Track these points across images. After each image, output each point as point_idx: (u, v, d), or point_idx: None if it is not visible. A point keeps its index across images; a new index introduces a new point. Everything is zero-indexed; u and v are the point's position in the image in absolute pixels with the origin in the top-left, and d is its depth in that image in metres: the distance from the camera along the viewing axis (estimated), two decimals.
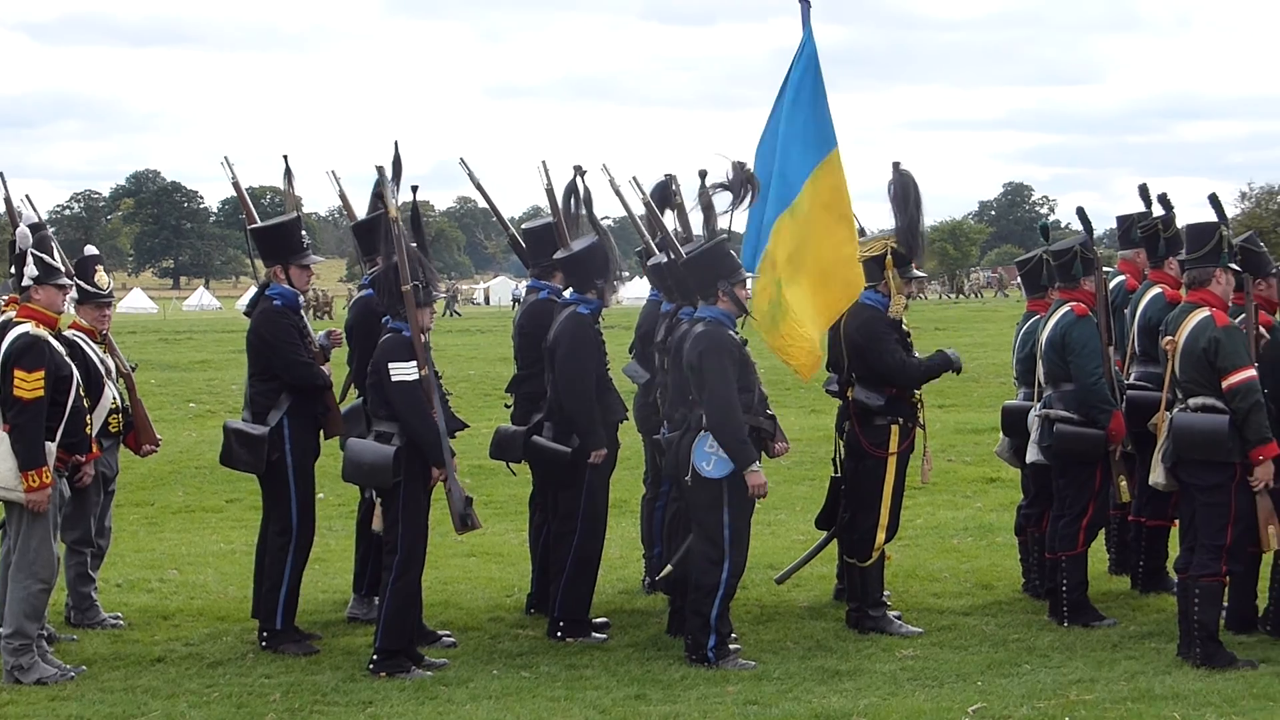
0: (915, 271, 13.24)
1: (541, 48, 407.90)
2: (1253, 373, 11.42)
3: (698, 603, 11.83)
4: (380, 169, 12.08)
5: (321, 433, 12.86)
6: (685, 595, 12.18)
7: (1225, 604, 12.11)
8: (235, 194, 13.61)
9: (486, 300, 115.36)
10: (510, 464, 13.43)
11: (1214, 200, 12.31)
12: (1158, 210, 14.24)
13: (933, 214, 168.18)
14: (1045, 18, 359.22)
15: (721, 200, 12.70)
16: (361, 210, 13.45)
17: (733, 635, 12.09)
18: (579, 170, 13.43)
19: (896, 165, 13.22)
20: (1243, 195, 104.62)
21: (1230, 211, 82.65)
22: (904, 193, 13.07)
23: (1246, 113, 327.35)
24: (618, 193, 13.24)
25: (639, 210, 13.00)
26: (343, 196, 13.45)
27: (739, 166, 12.64)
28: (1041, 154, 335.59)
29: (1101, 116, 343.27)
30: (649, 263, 13.24)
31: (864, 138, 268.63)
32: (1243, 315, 11.92)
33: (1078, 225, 13.98)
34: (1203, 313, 11.57)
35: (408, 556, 11.68)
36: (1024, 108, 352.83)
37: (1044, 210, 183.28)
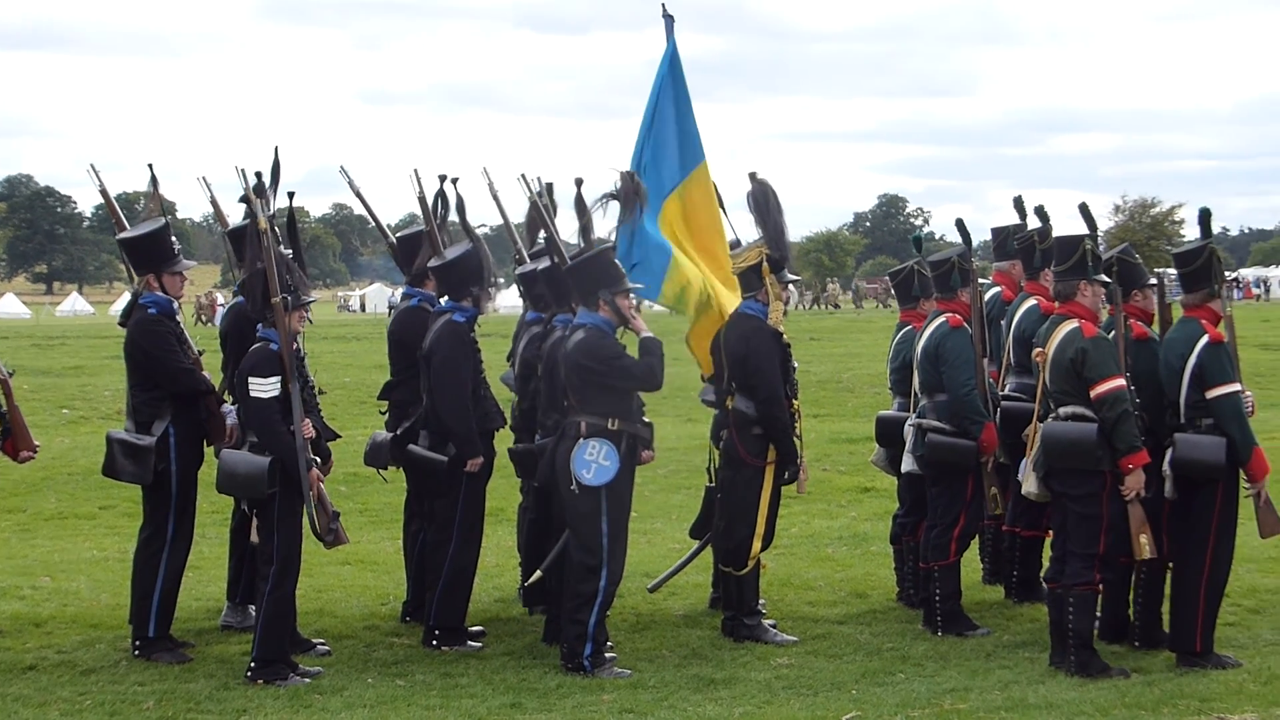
0: (790, 276, 13.29)
1: (417, 55, 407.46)
2: (1121, 383, 11.54)
3: (575, 611, 11.82)
4: (259, 174, 11.98)
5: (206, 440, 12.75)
6: (560, 603, 12.16)
7: (1098, 613, 12.25)
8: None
9: (363, 307, 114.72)
10: (382, 471, 13.39)
11: (1084, 211, 12.45)
12: (1034, 222, 14.38)
13: (808, 225, 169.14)
14: (917, 29, 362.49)
15: (609, 210, 12.71)
16: (236, 215, 13.35)
17: (609, 644, 12.08)
18: (445, 179, 13.35)
19: (753, 175, 13.28)
20: (1117, 208, 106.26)
21: (1104, 224, 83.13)
22: (763, 200, 13.13)
23: (1120, 125, 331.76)
24: (496, 199, 13.26)
25: (522, 215, 12.99)
26: (214, 202, 13.35)
27: (628, 177, 12.64)
28: (915, 166, 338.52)
29: (975, 128, 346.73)
30: (519, 270, 13.23)
31: (739, 149, 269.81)
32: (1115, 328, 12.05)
33: (952, 236, 14.12)
34: (1071, 324, 11.69)
35: (283, 566, 11.59)
36: (897, 119, 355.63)
37: (918, 222, 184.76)
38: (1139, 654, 12.34)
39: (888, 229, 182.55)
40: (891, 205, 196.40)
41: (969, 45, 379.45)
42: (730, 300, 13.03)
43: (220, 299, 69.75)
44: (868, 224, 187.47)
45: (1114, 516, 11.63)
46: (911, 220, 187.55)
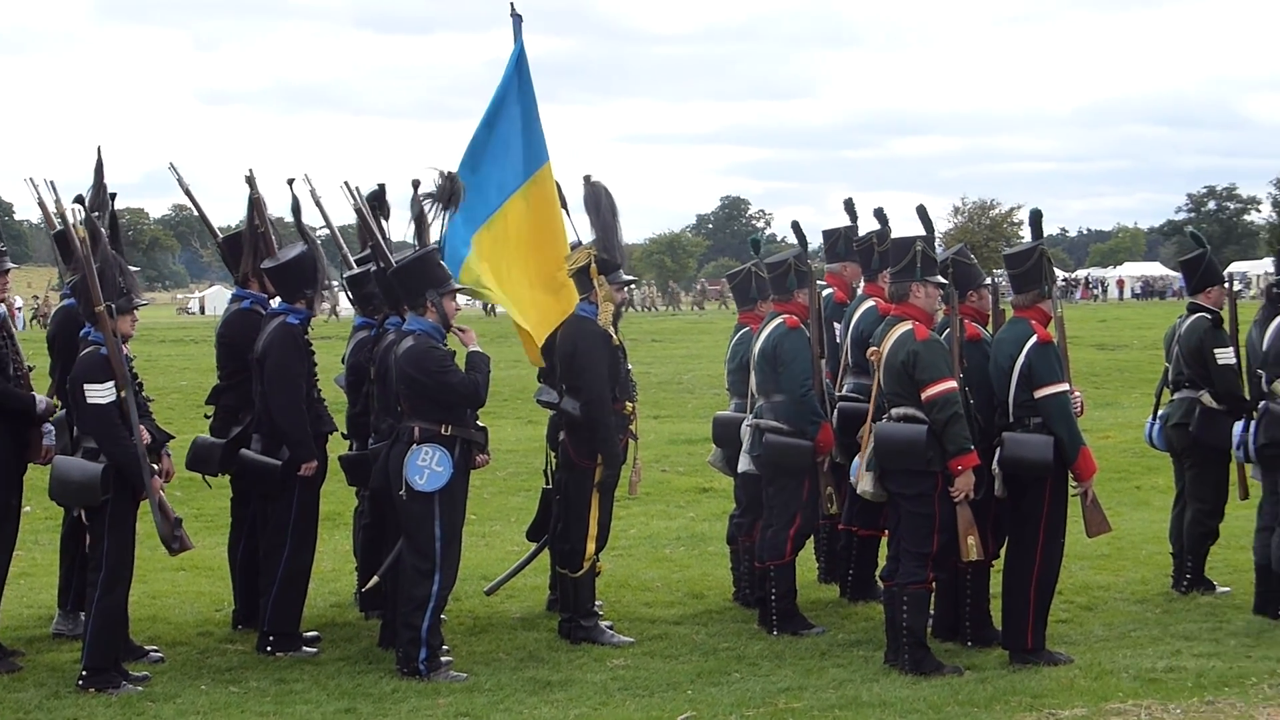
0: (624, 277, 13.31)
1: (256, 55, 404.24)
2: (951, 385, 11.63)
3: (409, 615, 11.77)
4: (51, 183, 11.84)
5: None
6: (396, 608, 12.11)
7: (932, 611, 12.36)
8: None
9: (202, 309, 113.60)
10: (207, 476, 13.26)
11: (921, 213, 12.56)
12: (870, 225, 14.47)
13: (651, 227, 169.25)
14: (758, 32, 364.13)
15: (434, 210, 12.66)
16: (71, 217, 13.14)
17: (444, 647, 12.04)
18: (292, 181, 13.26)
19: (587, 178, 13.31)
20: (956, 210, 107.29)
21: (944, 226, 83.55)
22: (595, 202, 13.15)
23: (959, 128, 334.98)
24: (318, 204, 13.17)
25: (348, 219, 12.92)
26: (42, 205, 13.17)
27: (449, 177, 12.61)
28: (757, 168, 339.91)
29: (816, 131, 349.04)
30: (345, 274, 13.17)
31: (582, 150, 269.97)
32: (948, 329, 12.16)
33: (793, 239, 14.19)
34: (905, 326, 11.78)
35: (114, 573, 11.44)
36: (739, 122, 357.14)
37: (760, 224, 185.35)
38: (972, 651, 12.45)
39: (730, 231, 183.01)
40: (734, 207, 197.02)
41: (809, 48, 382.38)
42: (553, 305, 13.05)
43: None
44: (710, 226, 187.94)
45: (946, 516, 11.72)
46: (754, 222, 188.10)
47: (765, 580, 13.18)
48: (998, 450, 11.88)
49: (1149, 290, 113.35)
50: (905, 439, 11.66)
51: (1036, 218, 12.53)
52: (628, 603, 14.43)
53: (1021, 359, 11.87)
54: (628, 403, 13.14)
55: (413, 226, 12.63)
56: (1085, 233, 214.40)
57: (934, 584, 12.00)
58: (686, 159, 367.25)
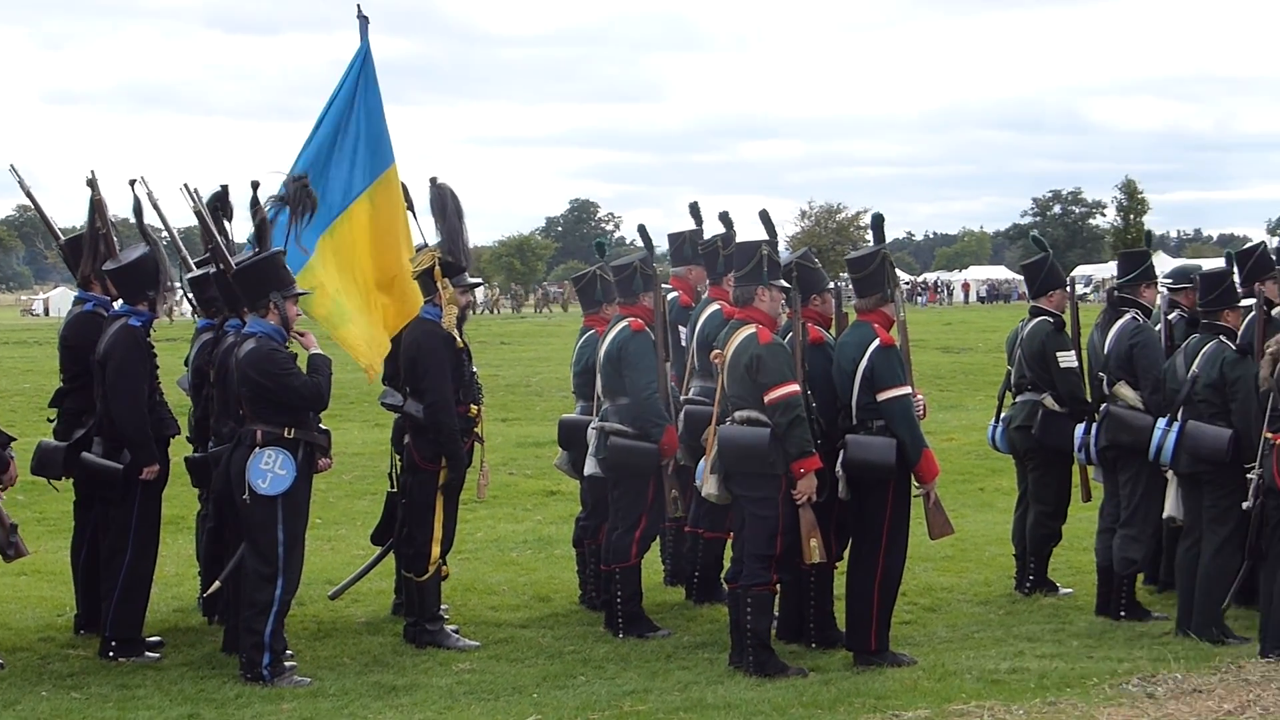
0: (469, 280, 13.28)
1: (102, 54, 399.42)
2: (794, 388, 11.68)
3: (251, 620, 11.66)
4: None
5: None
6: (238, 613, 12.00)
7: (776, 613, 12.42)
8: None
9: (46, 311, 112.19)
10: (52, 480, 13.09)
11: (764, 217, 12.62)
12: (716, 228, 14.50)
13: (500, 230, 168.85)
14: (606, 36, 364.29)
15: (280, 213, 12.56)
16: None
17: (289, 652, 11.94)
18: (134, 183, 13.11)
19: (433, 180, 13.29)
20: (803, 214, 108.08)
21: (791, 230, 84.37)
22: (440, 204, 13.13)
23: (807, 132, 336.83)
24: (155, 206, 13.01)
25: (188, 221, 12.79)
26: None
27: (300, 181, 12.51)
28: (606, 171, 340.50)
29: (664, 134, 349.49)
30: (186, 276, 13.05)
31: (431, 152, 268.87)
32: (791, 333, 12.21)
33: (641, 242, 14.20)
34: (749, 329, 11.82)
35: None
36: (588, 125, 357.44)
37: (609, 226, 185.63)
38: (816, 653, 12.51)
39: (579, 234, 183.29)
40: (583, 210, 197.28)
41: (658, 52, 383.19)
42: (398, 308, 12.99)
43: None
44: (560, 229, 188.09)
45: (789, 519, 11.76)
46: (603, 225, 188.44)
47: (611, 583, 13.19)
48: (841, 453, 11.95)
49: (994, 294, 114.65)
50: (748, 442, 11.70)
51: (878, 222, 12.62)
52: (474, 606, 14.40)
53: (864, 362, 11.93)
54: (473, 405, 13.10)
55: (254, 229, 12.51)
56: (931, 236, 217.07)
57: (778, 586, 12.06)
58: (536, 161, 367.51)
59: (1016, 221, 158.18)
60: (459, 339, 12.93)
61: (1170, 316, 14.17)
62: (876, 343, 11.94)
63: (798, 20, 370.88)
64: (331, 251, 12.83)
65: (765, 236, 12.35)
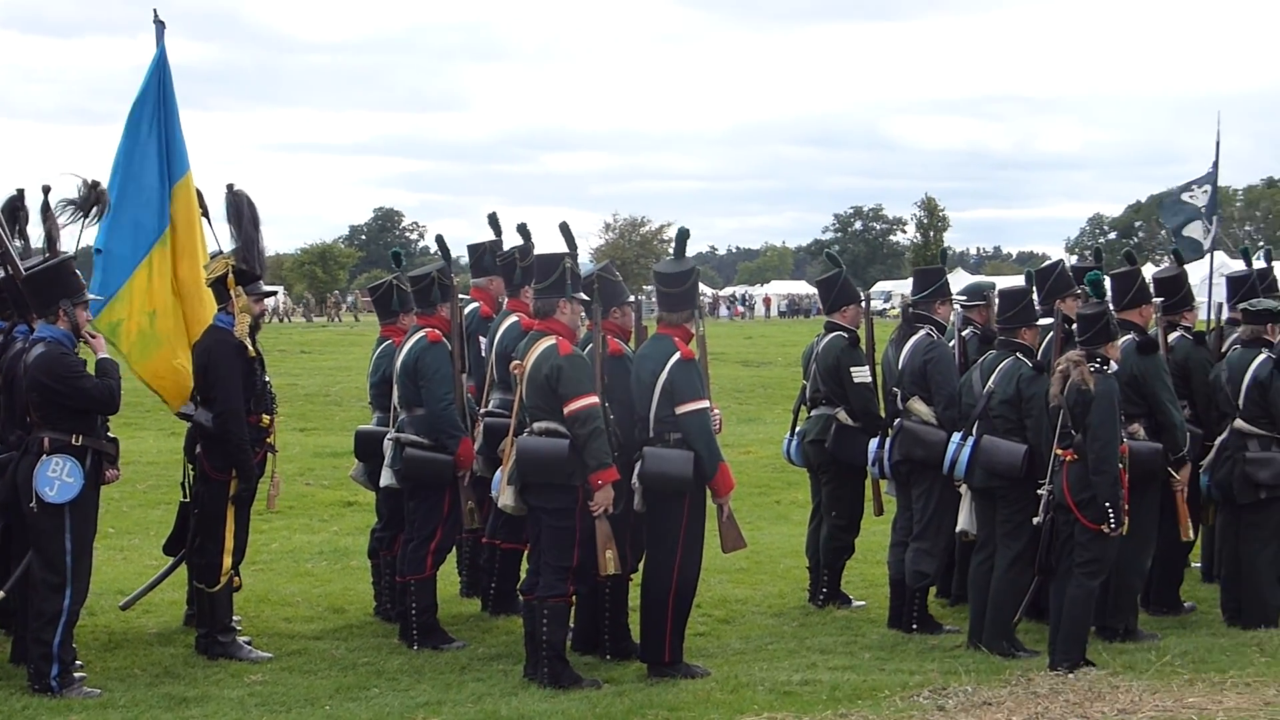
0: (263, 288, 13.16)
1: None
2: (594, 400, 11.69)
3: (39, 630, 11.45)
4: None
5: None
6: (26, 623, 11.78)
7: (572, 625, 12.41)
8: None
9: None
10: None
11: (564, 229, 12.62)
12: (515, 239, 14.47)
13: (303, 237, 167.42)
14: (412, 44, 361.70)
15: (71, 217, 12.39)
16: None
17: (78, 663, 11.74)
18: None
19: (230, 187, 13.29)
20: (607, 226, 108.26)
21: (595, 242, 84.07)
22: (236, 212, 13.04)
23: (611, 145, 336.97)
24: None
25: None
26: None
27: (90, 184, 12.34)
28: (410, 180, 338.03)
29: (468, 144, 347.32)
30: None
31: (232, 159, 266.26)
32: (590, 344, 12.22)
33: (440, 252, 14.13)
34: (549, 340, 11.81)
35: None
36: (393, 133, 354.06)
37: (414, 236, 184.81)
38: (610, 665, 12.54)
39: (383, 242, 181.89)
40: (387, 219, 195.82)
41: (462, 61, 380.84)
42: (192, 316, 12.89)
43: None
44: (363, 237, 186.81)
45: (586, 530, 11.77)
46: (407, 234, 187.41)
47: (406, 595, 13.10)
48: (638, 465, 11.98)
49: (795, 308, 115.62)
50: (547, 453, 11.69)
51: (683, 237, 12.64)
52: (267, 618, 14.26)
53: (664, 375, 11.95)
54: (264, 415, 12.97)
55: (44, 234, 12.31)
56: (734, 251, 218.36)
57: (574, 597, 12.05)
58: (342, 169, 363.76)
59: (818, 237, 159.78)
60: (251, 348, 12.79)
61: (964, 333, 14.37)
62: (676, 356, 11.97)
63: (603, 32, 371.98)
64: (159, 263, 12.73)
65: (565, 249, 12.34)
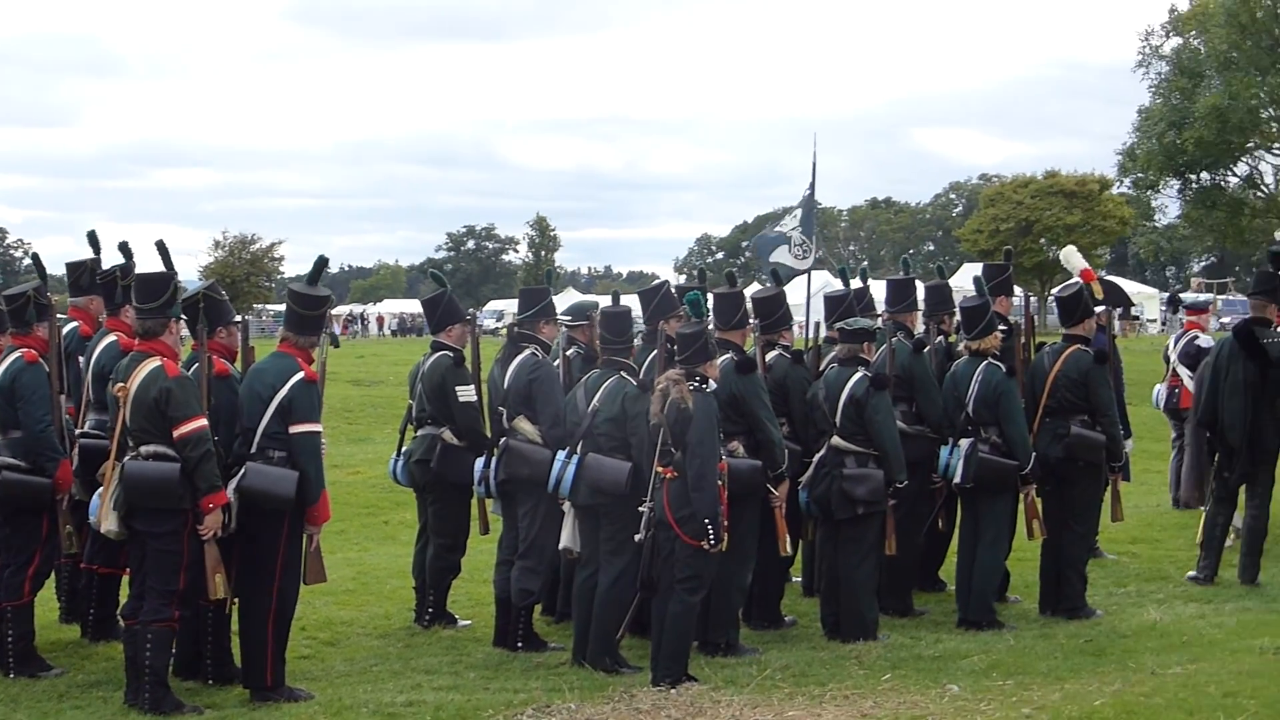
0: None
1: None
2: (203, 423, 11.56)
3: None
4: None
5: None
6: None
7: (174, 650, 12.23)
8: None
9: None
10: None
11: (160, 247, 12.42)
12: (116, 258, 14.19)
13: None
14: (18, 57, 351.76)
15: None
16: None
17: None
18: None
19: None
20: (217, 243, 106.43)
21: (205, 260, 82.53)
22: None
23: (221, 162, 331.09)
24: None
25: None
26: None
27: None
28: (16, 197, 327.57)
29: (75, 160, 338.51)
30: None
31: None
32: (197, 365, 12.09)
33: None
34: (154, 362, 11.63)
35: None
36: None
37: (19, 253, 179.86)
38: (213, 690, 12.40)
39: None
40: None
41: (70, 75, 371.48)
42: None
43: None
44: None
45: (194, 554, 11.63)
46: (12, 251, 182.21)
47: (3, 621, 12.76)
48: (236, 479, 11.85)
49: (406, 327, 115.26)
50: (156, 477, 11.50)
51: (320, 264, 12.53)
52: None
53: (285, 391, 11.92)
54: None
55: None
56: (347, 269, 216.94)
57: (178, 622, 11.88)
58: None
59: (431, 256, 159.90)
60: None
61: (569, 353, 14.52)
62: (300, 376, 11.95)
63: (213, 48, 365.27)
64: None
65: (164, 268, 12.15)
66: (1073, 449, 14.92)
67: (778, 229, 22.59)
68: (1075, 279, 15.71)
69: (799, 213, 22.54)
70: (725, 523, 12.34)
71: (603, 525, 13.12)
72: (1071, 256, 16.77)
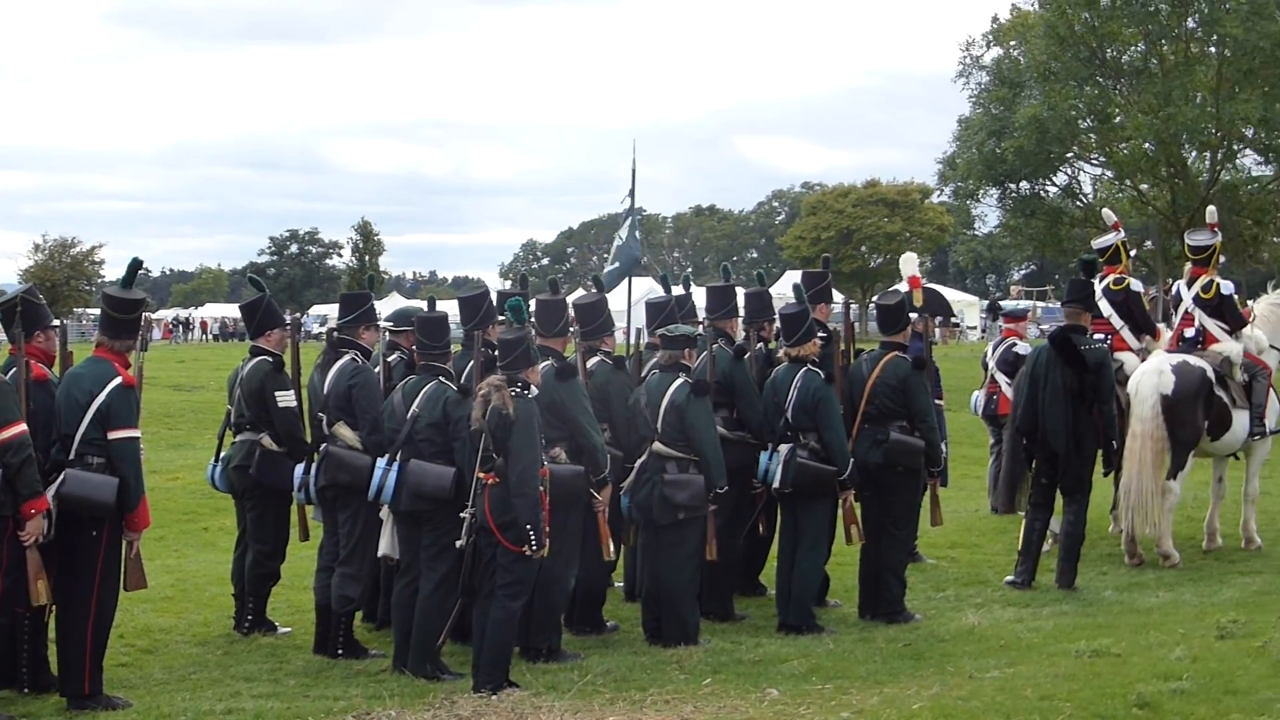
0: None
1: None
2: (24, 428, 11.42)
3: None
4: None
5: None
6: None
7: None
8: None
9: None
10: None
11: None
12: None
13: None
14: None
15: None
16: None
17: None
18: None
19: None
20: (36, 247, 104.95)
21: (25, 264, 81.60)
22: None
23: (40, 164, 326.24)
24: None
25: None
26: None
27: None
28: None
29: None
30: None
31: None
32: (14, 369, 11.94)
33: None
34: None
35: None
36: None
37: None
38: (29, 699, 12.24)
39: None
40: None
41: None
42: None
43: None
44: None
45: (14, 560, 11.47)
46: None
47: None
48: (55, 485, 11.70)
49: (229, 332, 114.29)
50: None
51: (134, 266, 12.41)
52: None
53: (102, 397, 11.81)
54: None
55: None
56: (169, 273, 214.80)
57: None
58: None
59: (254, 260, 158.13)
60: None
61: (390, 358, 14.46)
62: (118, 381, 11.85)
63: (32, 50, 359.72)
64: None
65: None
66: (891, 454, 15.10)
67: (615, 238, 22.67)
68: (898, 286, 15.92)
69: (631, 219, 22.64)
70: (547, 528, 12.35)
71: (424, 531, 13.09)
72: (906, 265, 16.98)
